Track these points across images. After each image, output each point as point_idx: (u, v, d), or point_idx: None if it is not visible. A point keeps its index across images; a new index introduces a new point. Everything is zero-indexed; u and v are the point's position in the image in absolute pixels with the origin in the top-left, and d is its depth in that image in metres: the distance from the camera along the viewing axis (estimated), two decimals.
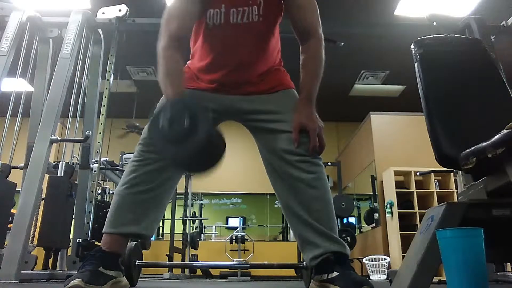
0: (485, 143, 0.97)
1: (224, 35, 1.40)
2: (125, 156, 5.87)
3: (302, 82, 1.40)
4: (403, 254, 4.69)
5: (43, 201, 2.60)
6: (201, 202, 8.21)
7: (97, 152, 2.76)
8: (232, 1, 1.36)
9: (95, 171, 2.74)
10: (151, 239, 6.19)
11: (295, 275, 4.63)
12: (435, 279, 2.40)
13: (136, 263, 2.00)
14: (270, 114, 1.42)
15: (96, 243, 2.49)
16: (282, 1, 1.40)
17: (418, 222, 5.15)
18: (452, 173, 5.00)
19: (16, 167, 2.64)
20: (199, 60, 1.48)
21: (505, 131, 0.93)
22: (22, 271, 2.07)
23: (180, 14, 1.35)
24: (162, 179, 1.39)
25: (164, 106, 1.14)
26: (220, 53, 1.43)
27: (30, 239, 2.55)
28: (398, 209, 5.27)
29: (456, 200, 1.34)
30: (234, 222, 8.68)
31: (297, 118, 1.35)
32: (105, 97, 2.86)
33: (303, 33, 1.43)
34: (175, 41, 1.32)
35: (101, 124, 2.79)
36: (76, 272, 1.26)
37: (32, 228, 2.64)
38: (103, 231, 1.37)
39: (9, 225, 2.35)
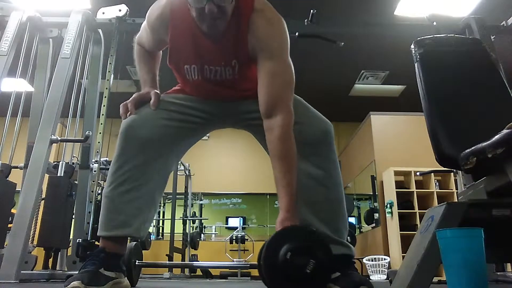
0: (485, 143, 0.97)
1: (203, 86, 1.39)
2: None
3: (277, 184, 1.17)
4: (403, 254, 4.69)
5: (43, 201, 2.59)
6: (201, 202, 8.20)
7: (97, 152, 2.75)
8: (203, 60, 1.33)
9: (95, 171, 2.73)
10: (151, 238, 6.20)
11: None
12: (435, 279, 2.39)
13: (136, 263, 2.00)
14: None
15: (96, 243, 2.49)
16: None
17: (418, 222, 5.15)
18: (452, 173, 5.00)
19: (16, 167, 2.63)
20: (183, 87, 1.49)
21: (505, 131, 0.93)
22: (22, 271, 2.06)
23: (146, 41, 1.51)
24: (149, 174, 1.33)
25: (287, 238, 1.04)
26: (202, 94, 1.43)
27: (30, 239, 2.55)
28: (398, 209, 5.27)
29: (456, 200, 1.34)
30: (234, 222, 8.68)
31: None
32: (105, 97, 2.86)
33: (268, 107, 1.22)
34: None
35: (101, 124, 2.78)
36: (76, 273, 1.25)
37: (32, 228, 2.64)
38: (97, 233, 1.33)
39: (9, 225, 2.35)
